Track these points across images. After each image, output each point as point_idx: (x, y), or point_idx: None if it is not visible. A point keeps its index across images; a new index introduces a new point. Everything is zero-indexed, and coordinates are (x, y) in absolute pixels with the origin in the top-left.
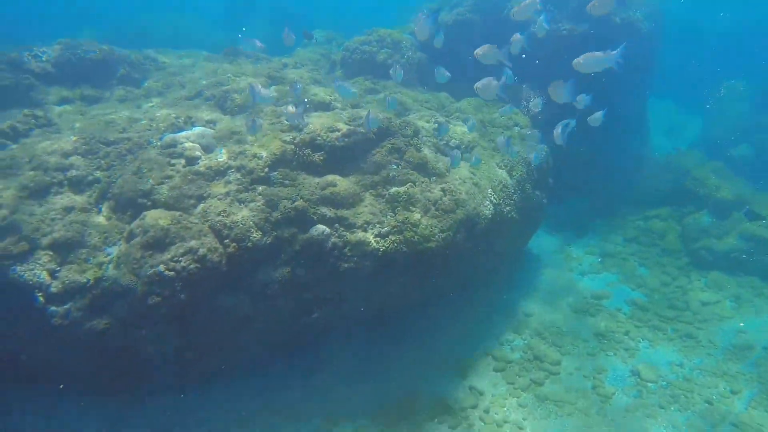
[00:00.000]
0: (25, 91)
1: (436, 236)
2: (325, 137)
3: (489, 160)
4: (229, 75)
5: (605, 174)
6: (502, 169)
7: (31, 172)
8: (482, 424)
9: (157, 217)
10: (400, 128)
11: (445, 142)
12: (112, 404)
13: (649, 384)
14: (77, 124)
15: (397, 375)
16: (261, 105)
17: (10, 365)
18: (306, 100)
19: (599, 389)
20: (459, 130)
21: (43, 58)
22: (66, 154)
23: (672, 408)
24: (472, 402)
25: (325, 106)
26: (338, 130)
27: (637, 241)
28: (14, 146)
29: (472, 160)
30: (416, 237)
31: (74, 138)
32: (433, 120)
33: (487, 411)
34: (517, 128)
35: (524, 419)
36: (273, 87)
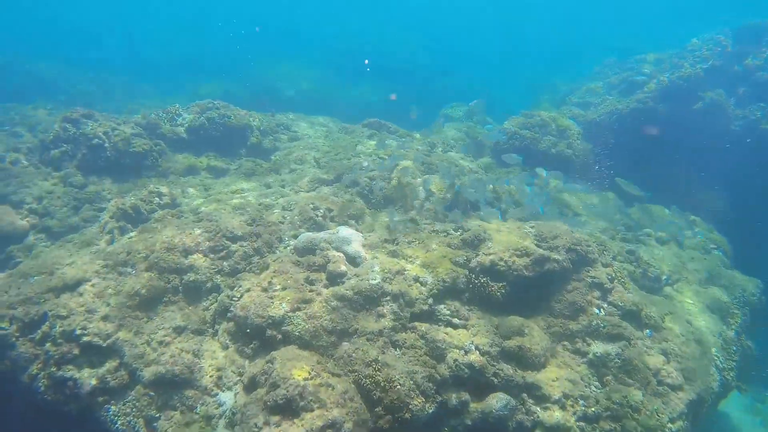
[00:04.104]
0: (156, 157)
1: (666, 429)
2: (508, 263)
3: (696, 300)
4: (373, 157)
5: None
6: (715, 314)
7: (146, 274)
8: None
9: (290, 365)
10: (600, 254)
11: (643, 270)
12: None
13: None
14: (202, 208)
15: None
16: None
17: None
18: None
19: None
20: (657, 254)
21: (178, 121)
22: (187, 251)
23: None
24: None
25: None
26: (527, 254)
27: None
28: (133, 234)
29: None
30: (639, 428)
31: (197, 231)
32: (619, 237)
33: None
34: (717, 252)
35: None
36: (430, 177)
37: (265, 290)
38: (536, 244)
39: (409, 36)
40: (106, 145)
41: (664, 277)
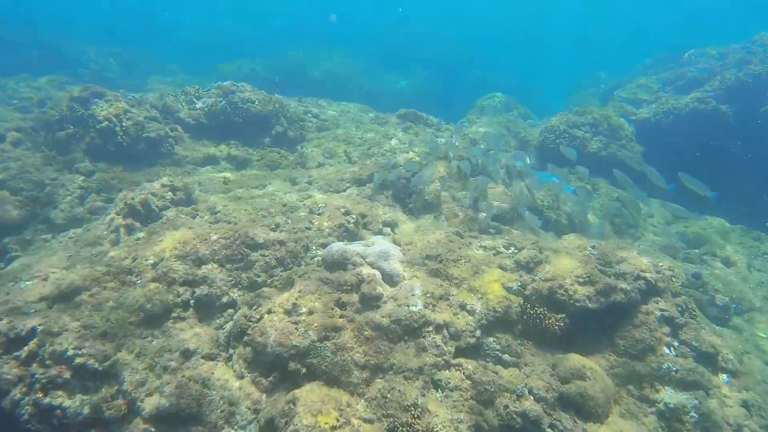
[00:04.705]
0: (172, 144)
1: None
2: (569, 291)
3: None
4: (410, 154)
5: None
6: None
7: (153, 285)
8: None
9: (315, 409)
10: (669, 281)
11: (710, 298)
12: None
13: None
14: (220, 206)
15: None
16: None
17: None
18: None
19: None
20: (722, 277)
21: (197, 105)
22: (200, 260)
23: None
24: None
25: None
26: (591, 282)
27: None
28: (141, 235)
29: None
30: None
31: (214, 236)
32: (680, 256)
33: None
34: None
35: None
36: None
37: (288, 313)
38: (600, 269)
39: (442, 27)
40: (117, 129)
41: (733, 306)
